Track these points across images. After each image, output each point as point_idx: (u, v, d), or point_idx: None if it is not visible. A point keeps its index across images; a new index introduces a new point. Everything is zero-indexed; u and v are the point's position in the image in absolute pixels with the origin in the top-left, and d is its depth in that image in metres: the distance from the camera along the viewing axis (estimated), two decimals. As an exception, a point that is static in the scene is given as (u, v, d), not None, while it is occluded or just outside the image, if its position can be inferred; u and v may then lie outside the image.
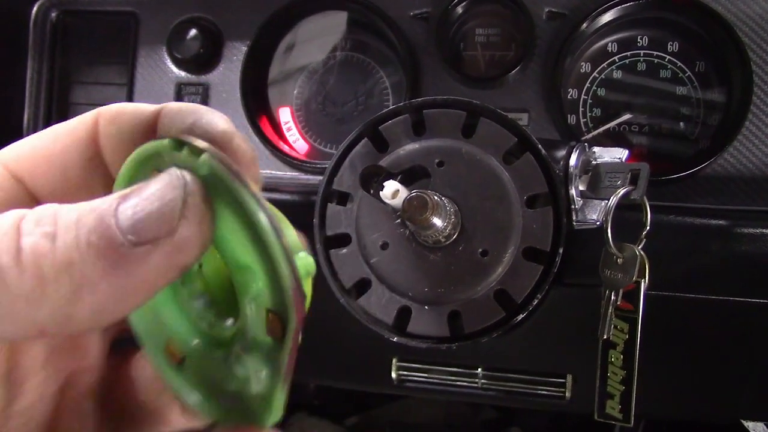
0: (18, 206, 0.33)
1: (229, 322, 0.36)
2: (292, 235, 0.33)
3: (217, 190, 0.29)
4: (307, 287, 0.33)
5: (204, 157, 0.29)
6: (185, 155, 0.30)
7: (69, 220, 0.28)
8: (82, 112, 0.99)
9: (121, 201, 0.28)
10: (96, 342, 0.40)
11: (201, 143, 0.30)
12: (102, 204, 0.28)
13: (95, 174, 0.36)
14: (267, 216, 0.29)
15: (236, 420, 0.33)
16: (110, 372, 0.41)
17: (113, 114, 0.36)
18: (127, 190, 0.29)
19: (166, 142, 0.31)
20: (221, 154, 0.29)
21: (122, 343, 0.42)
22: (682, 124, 0.84)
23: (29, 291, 0.27)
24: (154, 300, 0.32)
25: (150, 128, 0.34)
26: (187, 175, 0.29)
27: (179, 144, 0.31)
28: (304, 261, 0.32)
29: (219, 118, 0.32)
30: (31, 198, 0.37)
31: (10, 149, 0.37)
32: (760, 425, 1.05)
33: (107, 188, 0.36)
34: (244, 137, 0.33)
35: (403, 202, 0.58)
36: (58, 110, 0.99)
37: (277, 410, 0.32)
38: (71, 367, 0.39)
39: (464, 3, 0.87)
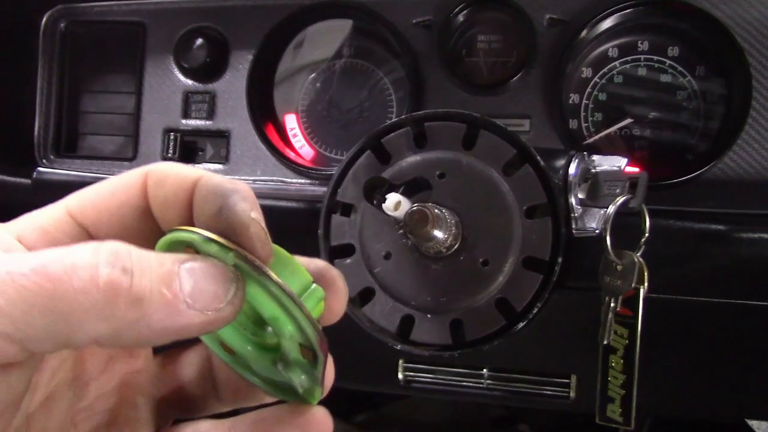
0: None
1: (269, 329, 0.44)
2: (302, 274, 0.41)
3: (242, 274, 0.38)
4: (320, 308, 0.42)
5: (231, 255, 0.37)
6: (216, 249, 0.37)
7: (146, 265, 0.35)
8: (92, 121, 1.01)
9: (181, 265, 0.36)
10: (143, 350, 0.48)
11: (229, 244, 0.37)
12: (167, 261, 0.36)
13: (146, 225, 0.42)
14: (286, 293, 0.37)
15: (290, 398, 0.43)
16: (158, 370, 0.49)
17: (159, 178, 0.42)
18: (185, 257, 0.36)
19: (197, 237, 0.38)
20: (243, 252, 0.37)
21: (164, 347, 0.48)
22: (683, 127, 0.85)
23: (100, 310, 0.33)
24: None
25: (189, 194, 0.40)
26: (236, 272, 0.37)
27: (210, 239, 0.37)
28: (316, 294, 0.41)
29: (243, 205, 0.38)
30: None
31: (75, 199, 0.43)
32: (765, 424, 1.06)
33: (157, 236, 0.41)
34: (260, 223, 0.38)
35: (405, 215, 0.60)
36: (68, 118, 1.01)
37: (319, 396, 0.42)
38: (126, 370, 0.46)
39: (466, 10, 0.88)
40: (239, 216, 0.38)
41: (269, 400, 0.47)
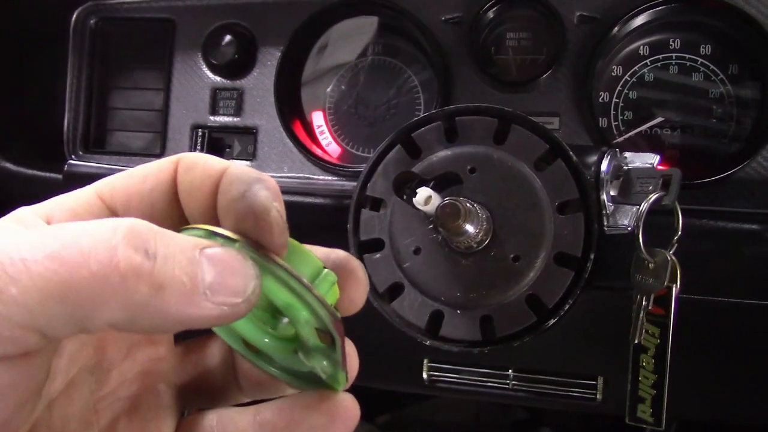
0: None
1: (285, 320, 0.44)
2: (313, 261, 0.41)
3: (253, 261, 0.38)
4: (334, 293, 0.42)
5: (237, 245, 0.37)
6: (221, 241, 0.37)
7: (170, 249, 0.34)
8: (120, 117, 1.01)
9: (203, 250, 0.35)
10: (165, 338, 0.48)
11: (234, 236, 0.37)
12: (189, 246, 0.35)
13: (175, 211, 0.43)
14: (295, 278, 0.37)
15: (315, 388, 0.43)
16: (180, 359, 0.48)
17: (189, 164, 0.42)
18: (207, 242, 0.36)
19: (202, 232, 0.38)
20: (250, 242, 0.38)
21: (186, 335, 0.48)
22: (714, 126, 0.84)
23: (119, 296, 0.32)
24: None
25: (215, 183, 0.41)
26: (256, 268, 0.37)
27: (213, 233, 0.38)
28: (328, 279, 0.41)
29: (265, 193, 0.39)
30: None
31: (105, 183, 0.43)
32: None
33: (183, 223, 0.42)
34: (278, 208, 0.39)
35: (436, 209, 0.59)
36: (97, 114, 1.02)
37: (343, 382, 0.42)
38: (147, 357, 0.46)
39: (496, 7, 0.88)
40: (260, 200, 0.38)
41: (291, 391, 0.46)
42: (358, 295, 0.45)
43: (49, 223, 0.41)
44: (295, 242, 0.41)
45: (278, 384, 0.47)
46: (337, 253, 0.45)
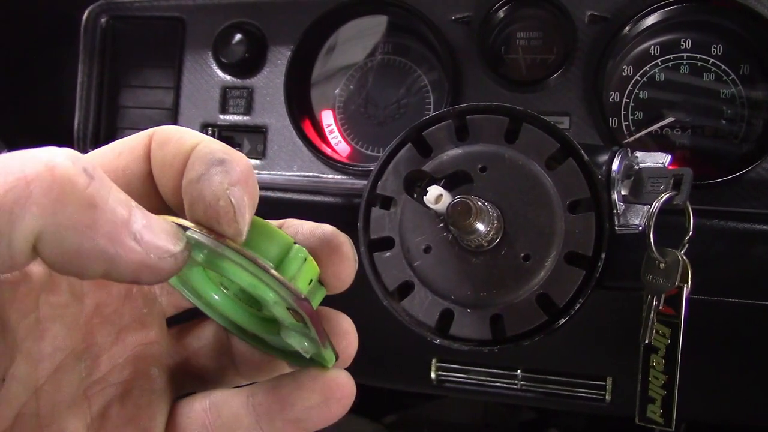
0: None
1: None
2: (280, 238, 0.40)
3: (203, 248, 0.38)
4: (310, 269, 0.41)
5: (187, 233, 0.37)
6: None
7: (106, 181, 0.34)
8: (131, 115, 1.02)
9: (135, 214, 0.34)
10: (156, 321, 0.47)
11: (185, 222, 0.37)
12: (124, 194, 0.35)
13: (151, 188, 0.41)
14: (248, 259, 0.37)
15: (310, 365, 0.43)
16: (173, 342, 0.48)
17: (163, 139, 0.41)
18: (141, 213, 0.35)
19: None
20: (199, 229, 0.37)
21: (177, 320, 0.50)
22: (725, 127, 0.84)
23: (49, 199, 0.31)
24: (217, 302, 0.45)
25: (186, 159, 0.39)
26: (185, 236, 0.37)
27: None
28: (299, 255, 0.40)
29: (221, 178, 0.37)
30: None
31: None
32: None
33: (159, 201, 0.41)
34: (230, 198, 0.37)
35: (447, 207, 0.59)
36: (107, 113, 1.02)
37: (330, 359, 0.41)
38: (138, 342, 0.45)
39: (506, 7, 0.87)
40: (212, 187, 0.37)
41: (289, 370, 0.46)
42: (345, 271, 0.43)
43: None
44: (261, 221, 0.40)
45: (275, 364, 0.47)
46: (323, 228, 0.43)
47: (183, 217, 0.39)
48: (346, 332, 0.44)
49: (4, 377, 0.38)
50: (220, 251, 0.37)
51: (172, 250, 0.35)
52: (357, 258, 0.44)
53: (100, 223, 0.32)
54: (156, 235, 0.34)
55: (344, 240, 0.43)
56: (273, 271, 0.37)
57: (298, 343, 0.41)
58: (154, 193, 0.41)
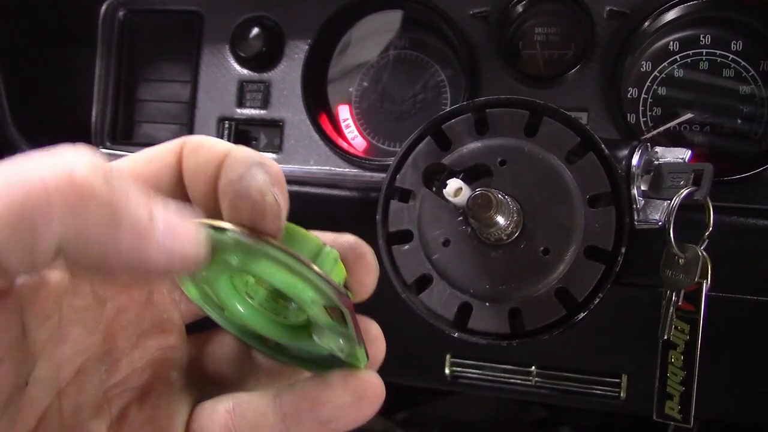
0: None
1: (293, 306, 0.44)
2: (311, 241, 0.41)
3: (245, 251, 0.38)
4: (340, 270, 0.42)
5: (228, 233, 0.37)
6: (213, 233, 0.37)
7: (125, 182, 0.33)
8: (148, 109, 1.02)
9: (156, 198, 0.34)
10: (176, 327, 0.47)
11: (224, 224, 0.37)
12: (144, 188, 0.34)
13: (179, 195, 0.42)
14: (291, 256, 0.37)
15: (329, 370, 0.42)
16: (192, 349, 0.48)
17: (194, 147, 0.42)
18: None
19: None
20: (241, 228, 0.37)
21: (196, 328, 0.50)
22: (745, 123, 0.83)
23: (70, 205, 0.31)
24: (241, 313, 0.44)
25: (219, 166, 0.40)
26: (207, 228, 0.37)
27: (202, 223, 0.37)
28: (330, 256, 0.41)
29: (263, 177, 0.39)
30: None
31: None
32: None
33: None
34: (276, 193, 0.39)
35: (468, 199, 0.59)
36: (124, 107, 1.03)
37: (363, 359, 0.41)
38: (158, 346, 0.46)
39: (524, 2, 0.87)
40: (257, 184, 0.38)
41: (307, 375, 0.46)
42: (368, 279, 0.44)
43: None
44: (293, 226, 0.41)
45: (295, 372, 0.47)
46: (346, 238, 0.44)
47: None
48: (376, 337, 0.44)
49: (27, 380, 0.38)
50: (261, 248, 0.37)
51: (197, 244, 0.35)
52: (378, 268, 0.45)
53: (122, 231, 0.32)
54: (179, 230, 0.34)
55: (368, 249, 0.44)
56: (315, 267, 0.37)
57: (334, 342, 0.41)
58: (183, 199, 0.42)
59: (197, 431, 0.44)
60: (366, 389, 0.41)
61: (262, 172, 0.39)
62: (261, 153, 0.41)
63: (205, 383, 0.47)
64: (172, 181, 0.42)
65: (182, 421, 0.44)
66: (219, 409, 0.43)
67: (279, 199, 0.38)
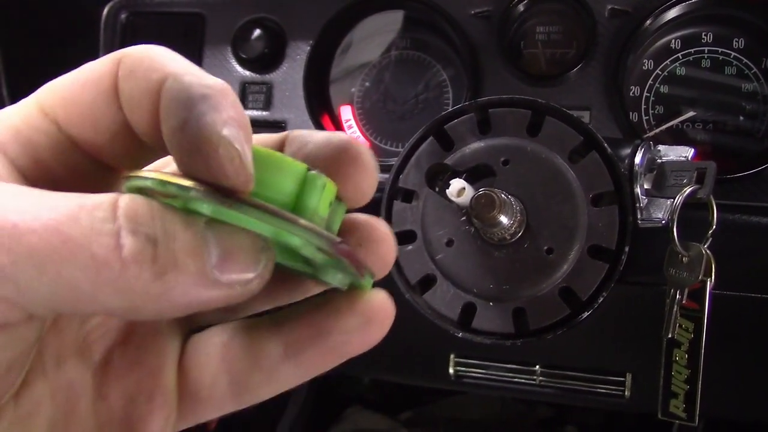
0: (61, 152, 0.37)
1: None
2: (291, 168, 0.34)
3: (214, 210, 0.32)
4: (328, 192, 0.35)
5: (192, 193, 0.30)
6: (174, 189, 0.31)
7: (170, 230, 0.30)
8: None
9: (207, 228, 0.31)
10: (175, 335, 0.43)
11: (186, 182, 0.30)
12: (192, 224, 0.30)
13: (123, 125, 0.36)
14: (270, 212, 0.31)
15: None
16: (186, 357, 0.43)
17: (130, 67, 0.35)
18: (207, 217, 0.31)
19: (151, 183, 0.31)
20: (204, 187, 0.30)
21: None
22: (747, 121, 0.83)
23: (118, 284, 0.29)
24: None
25: (157, 95, 0.33)
26: (266, 241, 0.32)
27: (164, 183, 0.31)
28: (317, 184, 0.34)
29: (210, 117, 0.31)
30: (70, 142, 0.37)
31: (48, 91, 0.37)
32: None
33: (134, 139, 0.36)
34: (231, 141, 0.30)
35: (471, 199, 0.59)
36: (126, 109, 1.03)
37: (369, 283, 0.37)
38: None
39: (525, 1, 0.87)
40: (205, 132, 0.30)
41: (315, 291, 0.41)
42: (366, 182, 0.38)
43: None
44: (264, 151, 0.34)
45: (298, 286, 0.42)
46: (339, 137, 0.38)
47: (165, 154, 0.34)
48: (384, 238, 0.39)
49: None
50: (230, 213, 0.31)
51: (256, 271, 0.32)
52: (378, 167, 0.38)
53: (174, 286, 0.29)
54: (233, 264, 0.31)
55: (364, 148, 0.38)
56: (302, 222, 0.32)
57: (333, 278, 0.36)
58: (129, 133, 0.36)
59: (191, 369, 0.39)
60: (376, 311, 0.37)
61: (207, 111, 0.31)
62: (201, 72, 0.33)
63: (194, 314, 0.42)
64: (110, 108, 0.35)
65: (173, 359, 0.40)
66: (214, 341, 0.40)
67: (236, 143, 0.31)
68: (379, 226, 0.39)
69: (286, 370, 0.38)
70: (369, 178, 0.38)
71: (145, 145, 0.37)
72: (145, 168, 0.39)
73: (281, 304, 0.41)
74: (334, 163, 0.37)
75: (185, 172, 0.31)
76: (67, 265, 0.28)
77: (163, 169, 0.40)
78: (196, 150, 0.30)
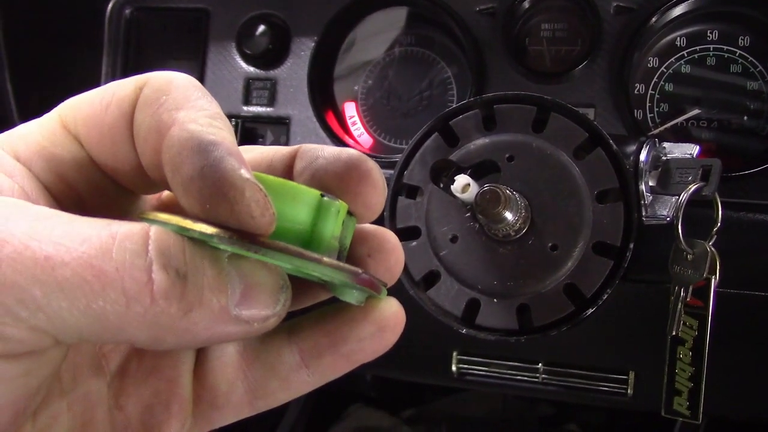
0: (84, 169, 0.37)
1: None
2: (305, 197, 0.35)
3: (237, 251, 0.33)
4: (342, 211, 0.37)
5: (215, 241, 0.31)
6: (198, 236, 0.31)
7: (199, 266, 0.31)
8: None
9: (232, 265, 0.32)
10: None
11: (208, 229, 0.31)
12: (218, 260, 0.32)
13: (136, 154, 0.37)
14: (293, 254, 0.32)
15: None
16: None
17: (148, 98, 0.35)
18: (232, 251, 0.32)
19: (172, 228, 0.32)
20: (226, 231, 0.31)
21: None
22: (752, 119, 0.83)
23: (146, 319, 0.30)
24: None
25: (162, 135, 0.34)
26: (286, 280, 0.34)
27: (184, 228, 0.31)
28: (331, 210, 0.35)
29: (230, 163, 0.31)
30: (91, 160, 0.38)
31: (70, 108, 0.38)
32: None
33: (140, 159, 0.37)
34: (255, 183, 0.31)
35: (476, 195, 0.59)
36: (130, 104, 1.03)
37: (382, 295, 0.37)
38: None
39: (531, -2, 0.87)
40: (228, 177, 0.31)
41: (326, 297, 0.42)
42: (375, 199, 0.39)
43: (17, 159, 0.36)
44: (275, 180, 0.34)
45: (310, 292, 0.42)
46: (349, 153, 0.38)
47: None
48: (393, 249, 0.40)
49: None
50: (256, 256, 0.32)
51: (274, 310, 0.33)
52: (386, 185, 0.39)
53: (198, 321, 0.31)
54: (254, 302, 0.32)
55: (373, 165, 0.38)
56: (326, 260, 0.33)
57: (350, 296, 0.38)
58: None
59: (207, 376, 0.40)
60: (389, 318, 0.38)
61: (224, 157, 0.31)
62: (204, 116, 0.33)
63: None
64: (128, 135, 0.36)
65: (188, 368, 0.40)
66: (229, 349, 0.40)
67: (257, 184, 0.31)
68: (389, 237, 0.40)
69: (302, 376, 0.39)
70: (378, 195, 0.39)
71: (149, 180, 0.37)
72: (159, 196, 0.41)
73: (293, 309, 0.41)
74: (344, 178, 0.38)
75: (203, 217, 0.32)
76: (97, 298, 0.29)
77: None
78: (220, 195, 0.31)
